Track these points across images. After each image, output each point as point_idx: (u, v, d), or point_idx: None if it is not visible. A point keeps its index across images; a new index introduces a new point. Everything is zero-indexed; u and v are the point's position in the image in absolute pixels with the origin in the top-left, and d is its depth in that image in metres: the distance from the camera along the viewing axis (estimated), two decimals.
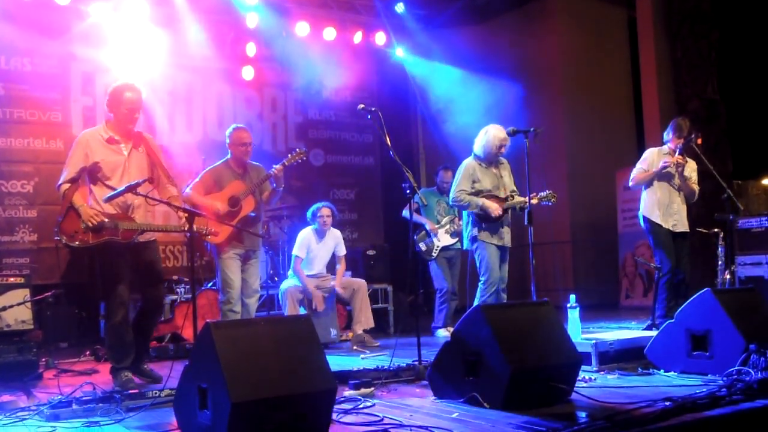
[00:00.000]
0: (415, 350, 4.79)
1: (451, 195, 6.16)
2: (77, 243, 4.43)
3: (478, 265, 6.05)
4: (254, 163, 5.85)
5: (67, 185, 4.53)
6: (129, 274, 4.68)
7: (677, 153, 6.34)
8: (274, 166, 5.61)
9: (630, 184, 6.64)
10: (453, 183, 6.22)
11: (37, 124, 7.87)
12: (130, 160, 4.68)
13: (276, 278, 7.68)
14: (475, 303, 5.88)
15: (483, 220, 5.99)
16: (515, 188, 6.18)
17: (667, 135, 6.52)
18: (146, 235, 4.69)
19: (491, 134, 6.00)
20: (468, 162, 6.13)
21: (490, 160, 6.08)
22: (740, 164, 10.52)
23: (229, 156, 5.76)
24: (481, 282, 5.99)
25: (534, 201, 5.68)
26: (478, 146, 6.09)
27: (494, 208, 5.89)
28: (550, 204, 5.88)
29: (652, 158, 6.49)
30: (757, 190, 12.47)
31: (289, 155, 5.78)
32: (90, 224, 4.41)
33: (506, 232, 6.08)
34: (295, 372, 3.05)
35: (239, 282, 5.61)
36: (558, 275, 10.59)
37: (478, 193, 6.00)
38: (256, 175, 5.71)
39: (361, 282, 7.01)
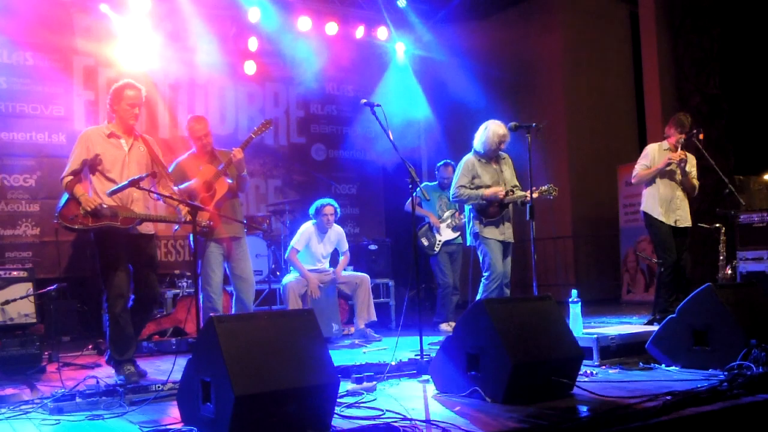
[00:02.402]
0: (416, 344, 4.81)
1: (451, 191, 6.14)
2: (77, 226, 4.52)
3: (481, 261, 6.05)
4: (223, 149, 5.67)
5: (70, 177, 4.64)
6: (127, 265, 4.72)
7: (678, 148, 6.34)
8: (233, 148, 5.40)
9: (633, 180, 6.64)
10: (453, 179, 6.21)
11: (39, 118, 7.88)
12: (130, 154, 4.78)
13: (278, 273, 7.69)
14: (478, 298, 5.88)
15: (484, 215, 5.97)
16: (517, 183, 6.16)
17: (669, 130, 6.52)
18: (145, 227, 4.75)
19: (491, 130, 5.96)
20: (468, 158, 6.10)
21: (489, 155, 6.05)
22: (742, 160, 10.51)
23: (194, 149, 5.63)
24: (485, 277, 5.97)
25: (535, 195, 5.65)
26: (478, 142, 6.06)
27: (496, 190, 5.88)
28: (551, 198, 5.84)
29: (653, 154, 6.49)
30: (758, 186, 12.46)
31: (255, 128, 5.57)
32: (88, 208, 4.49)
33: (508, 227, 6.07)
34: (297, 366, 3.07)
35: (219, 278, 5.50)
36: (560, 270, 10.61)
37: (477, 189, 5.98)
38: (225, 158, 5.51)
39: (363, 276, 7.02)
